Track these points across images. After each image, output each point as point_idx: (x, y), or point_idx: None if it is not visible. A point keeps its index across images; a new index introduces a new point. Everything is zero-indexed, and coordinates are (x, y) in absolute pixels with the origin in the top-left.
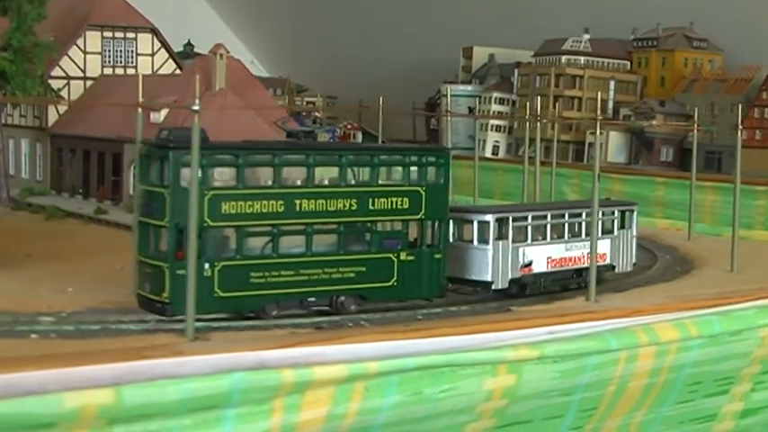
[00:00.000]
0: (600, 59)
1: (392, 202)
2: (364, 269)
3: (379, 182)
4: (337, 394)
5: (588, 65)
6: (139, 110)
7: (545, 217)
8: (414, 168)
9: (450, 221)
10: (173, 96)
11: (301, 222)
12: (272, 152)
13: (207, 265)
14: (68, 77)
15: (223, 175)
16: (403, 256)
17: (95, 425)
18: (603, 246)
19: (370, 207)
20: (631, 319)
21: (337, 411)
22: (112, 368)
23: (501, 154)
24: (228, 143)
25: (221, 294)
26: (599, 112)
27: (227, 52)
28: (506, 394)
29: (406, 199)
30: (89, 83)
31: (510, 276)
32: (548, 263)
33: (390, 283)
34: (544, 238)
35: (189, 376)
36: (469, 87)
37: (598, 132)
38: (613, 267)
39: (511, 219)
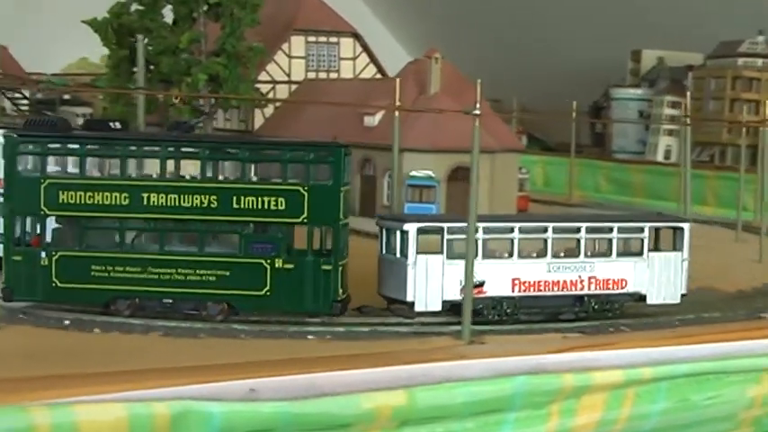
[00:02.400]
0: None
1: (264, 201)
2: (228, 274)
3: (253, 179)
4: (610, 399)
5: (766, 67)
6: (396, 113)
7: (509, 230)
8: (295, 166)
9: (384, 230)
10: (386, 100)
11: (150, 217)
12: (116, 142)
13: (44, 254)
14: (274, 81)
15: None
16: (279, 263)
17: (388, 426)
18: (622, 269)
19: (235, 206)
20: None
21: (610, 417)
22: (402, 370)
23: (673, 158)
24: (74, 132)
25: (59, 285)
26: None
27: (442, 57)
28: (767, 402)
29: (282, 199)
30: (293, 87)
31: (444, 297)
32: (514, 285)
33: (263, 293)
34: (509, 255)
35: (474, 379)
36: (639, 91)
37: None
38: (643, 297)
39: (446, 230)
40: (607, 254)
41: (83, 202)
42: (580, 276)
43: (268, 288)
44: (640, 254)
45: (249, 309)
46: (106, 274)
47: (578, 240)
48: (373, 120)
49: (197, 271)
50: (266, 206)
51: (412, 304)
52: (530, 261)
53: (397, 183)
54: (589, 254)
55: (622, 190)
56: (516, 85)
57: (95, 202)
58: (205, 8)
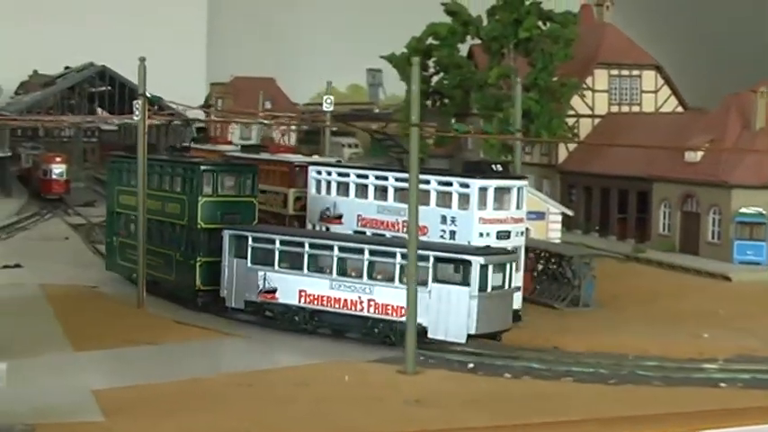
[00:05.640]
0: None
1: (173, 206)
2: (162, 262)
3: (177, 189)
4: None
5: None
6: None
7: (300, 244)
8: (184, 179)
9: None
10: (707, 135)
11: (146, 217)
12: (131, 162)
13: (114, 238)
14: (578, 115)
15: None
16: (178, 255)
17: None
18: (404, 297)
19: (166, 210)
20: None
21: None
22: None
23: None
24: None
25: (119, 261)
26: None
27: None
28: None
29: (177, 205)
30: (596, 121)
31: (245, 298)
32: (300, 296)
33: (171, 277)
34: (299, 269)
35: None
36: None
37: None
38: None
39: (250, 238)
40: (389, 279)
41: (123, 202)
42: (360, 298)
43: (174, 274)
44: (424, 284)
45: (168, 289)
46: (130, 256)
47: (362, 262)
48: (695, 155)
49: (156, 258)
50: (174, 210)
51: (224, 300)
52: (316, 276)
53: None
54: (379, 277)
55: None
56: None
57: (126, 203)
58: (514, 43)
